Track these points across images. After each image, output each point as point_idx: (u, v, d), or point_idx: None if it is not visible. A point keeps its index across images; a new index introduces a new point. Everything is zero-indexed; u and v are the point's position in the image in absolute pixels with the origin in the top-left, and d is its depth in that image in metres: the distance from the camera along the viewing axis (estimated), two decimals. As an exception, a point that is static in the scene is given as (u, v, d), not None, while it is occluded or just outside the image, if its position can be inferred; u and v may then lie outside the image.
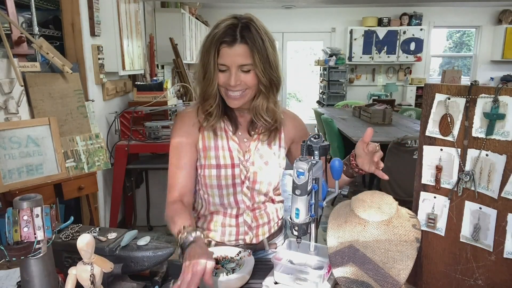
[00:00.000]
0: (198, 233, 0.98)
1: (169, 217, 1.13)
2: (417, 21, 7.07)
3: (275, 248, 1.32)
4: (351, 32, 7.09)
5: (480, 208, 0.94)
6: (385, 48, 7.09)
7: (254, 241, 1.26)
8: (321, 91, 7.74)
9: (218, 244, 1.26)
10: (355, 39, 7.09)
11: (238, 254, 1.13)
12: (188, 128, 1.21)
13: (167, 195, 1.21)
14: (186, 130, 1.21)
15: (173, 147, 1.22)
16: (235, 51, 1.07)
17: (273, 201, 1.31)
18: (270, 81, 1.13)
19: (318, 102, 7.69)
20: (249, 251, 1.13)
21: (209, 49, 1.08)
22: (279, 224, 1.34)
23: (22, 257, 0.79)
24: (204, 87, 1.13)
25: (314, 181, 0.99)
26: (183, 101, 3.95)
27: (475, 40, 7.53)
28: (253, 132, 1.23)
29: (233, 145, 1.22)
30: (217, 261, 1.11)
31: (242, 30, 1.07)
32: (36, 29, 2.19)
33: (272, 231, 1.31)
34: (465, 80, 6.80)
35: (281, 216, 1.35)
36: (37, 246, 0.80)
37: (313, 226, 1.04)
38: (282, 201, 1.36)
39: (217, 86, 1.12)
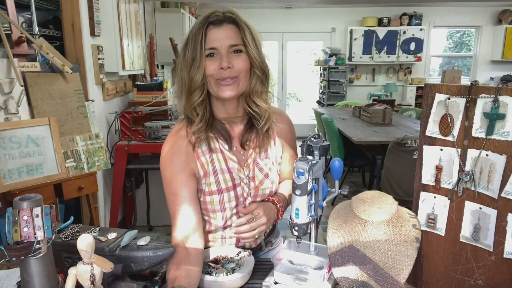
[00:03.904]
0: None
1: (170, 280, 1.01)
2: (417, 21, 7.07)
3: (271, 246, 1.31)
4: (351, 32, 7.09)
5: (480, 208, 0.94)
6: (385, 48, 7.08)
7: (253, 246, 1.25)
8: (321, 91, 7.74)
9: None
10: (355, 39, 7.09)
11: (238, 254, 1.13)
12: (180, 157, 1.08)
13: (174, 233, 1.07)
14: (178, 160, 1.08)
15: (167, 180, 1.09)
16: (224, 31, 1.02)
17: (268, 200, 1.29)
18: (263, 64, 1.07)
19: (318, 102, 7.69)
20: (249, 251, 1.13)
21: (195, 34, 1.02)
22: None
23: (22, 257, 0.79)
24: (191, 75, 1.02)
25: (314, 181, 0.99)
26: (183, 101, 3.94)
27: (475, 40, 7.53)
28: (246, 146, 1.15)
29: (233, 165, 1.13)
30: (217, 261, 1.11)
31: (226, 13, 1.04)
32: (36, 29, 2.19)
33: (268, 231, 1.29)
34: (465, 80, 6.80)
35: None
36: (37, 246, 0.80)
37: (313, 226, 1.04)
38: None
39: (204, 75, 1.02)
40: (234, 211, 1.15)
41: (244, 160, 1.15)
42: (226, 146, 1.13)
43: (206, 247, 1.26)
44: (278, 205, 1.16)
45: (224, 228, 1.18)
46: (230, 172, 1.12)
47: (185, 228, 1.05)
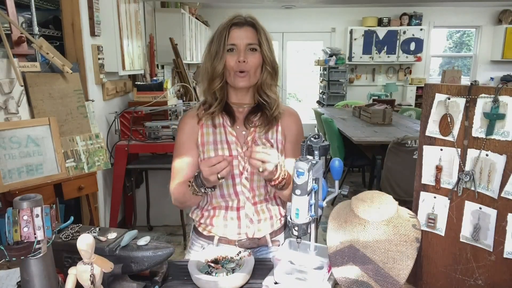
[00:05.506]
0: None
1: (178, 196, 1.25)
2: (417, 21, 7.07)
3: (278, 246, 1.32)
4: (351, 32, 7.09)
5: (480, 208, 0.94)
6: (385, 48, 7.08)
7: (256, 236, 1.28)
8: (321, 91, 7.74)
9: (220, 238, 1.27)
10: (355, 39, 7.09)
11: (238, 254, 1.13)
12: (189, 127, 1.30)
13: (170, 183, 1.29)
14: (188, 129, 1.30)
15: (177, 145, 1.32)
16: (244, 31, 1.21)
17: (275, 198, 1.32)
18: (273, 62, 1.26)
19: (318, 102, 7.69)
20: (249, 251, 1.14)
21: (221, 32, 1.21)
22: (282, 222, 1.35)
23: (22, 257, 0.79)
24: (214, 65, 1.22)
25: (314, 181, 0.99)
26: (183, 101, 3.95)
27: (475, 40, 7.53)
28: (249, 125, 1.28)
29: (231, 139, 1.27)
30: (217, 261, 1.11)
31: (247, 17, 1.24)
32: (36, 29, 2.19)
33: (275, 227, 1.32)
34: (465, 80, 6.80)
35: (283, 214, 1.36)
36: (37, 246, 0.80)
37: (313, 226, 1.04)
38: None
39: (224, 65, 1.21)
40: (230, 182, 1.25)
41: (244, 138, 1.28)
42: (229, 123, 1.29)
43: (211, 235, 1.28)
44: (283, 169, 1.16)
45: (226, 208, 1.28)
46: (228, 143, 1.27)
47: (184, 177, 1.26)
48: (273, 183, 1.15)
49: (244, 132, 1.29)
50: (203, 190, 1.14)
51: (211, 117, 1.28)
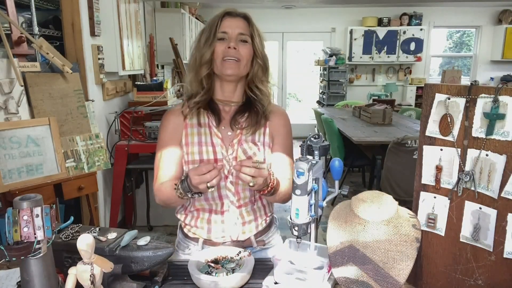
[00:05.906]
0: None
1: (162, 197, 1.21)
2: (417, 21, 7.07)
3: (263, 245, 1.31)
4: (351, 32, 7.09)
5: (480, 208, 0.94)
6: (385, 48, 7.08)
7: (240, 238, 1.26)
8: (321, 91, 7.74)
9: (205, 241, 1.26)
10: (355, 39, 7.09)
11: (238, 254, 1.13)
12: (174, 125, 1.26)
13: (154, 182, 1.26)
14: (171, 127, 1.26)
15: (160, 143, 1.28)
16: (236, 21, 1.20)
17: (260, 198, 1.29)
18: (264, 57, 1.23)
19: (318, 102, 7.69)
20: (249, 251, 1.13)
21: (213, 21, 1.20)
22: (267, 221, 1.33)
23: (22, 257, 0.79)
24: (202, 52, 1.19)
25: (314, 181, 0.99)
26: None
27: (475, 40, 7.52)
28: (235, 127, 1.24)
29: (217, 141, 1.23)
30: (217, 261, 1.11)
31: (240, 11, 1.23)
32: (36, 29, 2.19)
33: (260, 228, 1.30)
34: (465, 80, 6.80)
35: (269, 213, 1.34)
36: (37, 246, 0.80)
37: (313, 226, 1.04)
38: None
39: (212, 52, 1.18)
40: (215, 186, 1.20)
41: (229, 140, 1.24)
42: (215, 123, 1.25)
43: (195, 237, 1.27)
44: (272, 177, 1.12)
45: (210, 211, 1.25)
46: (214, 146, 1.23)
47: (164, 179, 1.23)
48: (262, 192, 1.12)
49: (230, 133, 1.24)
50: (189, 195, 1.09)
51: (196, 114, 1.23)
